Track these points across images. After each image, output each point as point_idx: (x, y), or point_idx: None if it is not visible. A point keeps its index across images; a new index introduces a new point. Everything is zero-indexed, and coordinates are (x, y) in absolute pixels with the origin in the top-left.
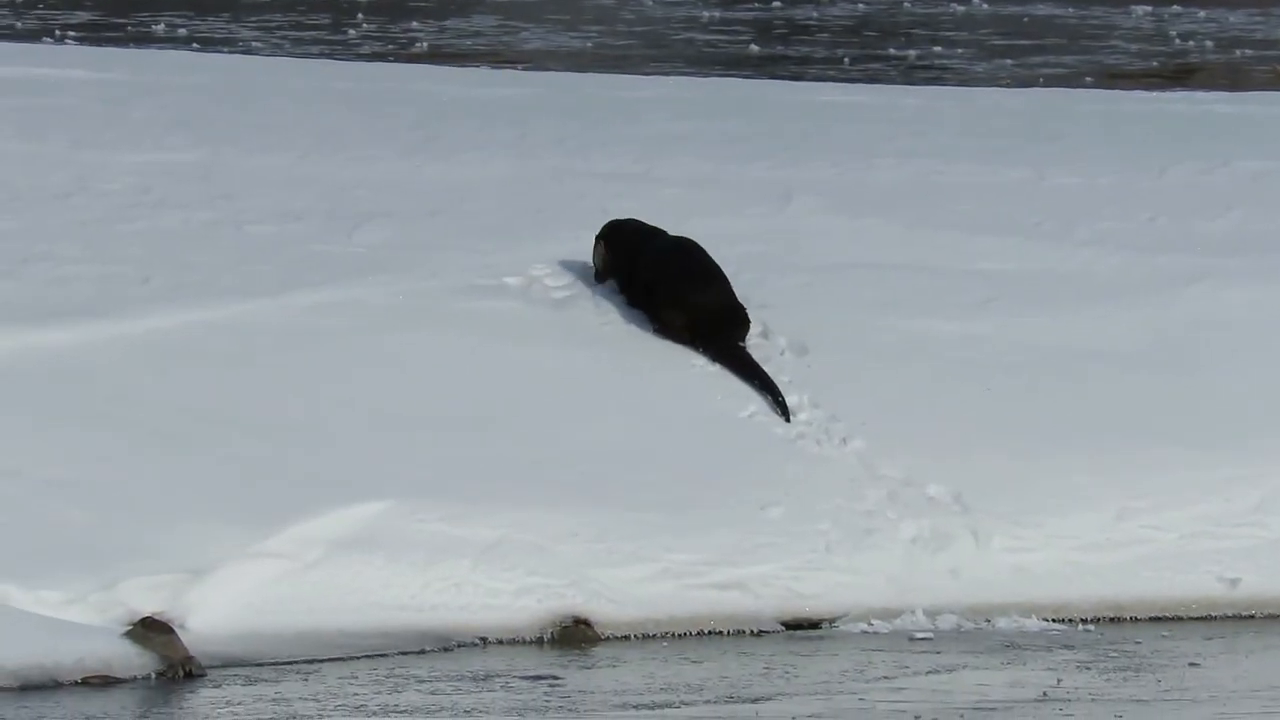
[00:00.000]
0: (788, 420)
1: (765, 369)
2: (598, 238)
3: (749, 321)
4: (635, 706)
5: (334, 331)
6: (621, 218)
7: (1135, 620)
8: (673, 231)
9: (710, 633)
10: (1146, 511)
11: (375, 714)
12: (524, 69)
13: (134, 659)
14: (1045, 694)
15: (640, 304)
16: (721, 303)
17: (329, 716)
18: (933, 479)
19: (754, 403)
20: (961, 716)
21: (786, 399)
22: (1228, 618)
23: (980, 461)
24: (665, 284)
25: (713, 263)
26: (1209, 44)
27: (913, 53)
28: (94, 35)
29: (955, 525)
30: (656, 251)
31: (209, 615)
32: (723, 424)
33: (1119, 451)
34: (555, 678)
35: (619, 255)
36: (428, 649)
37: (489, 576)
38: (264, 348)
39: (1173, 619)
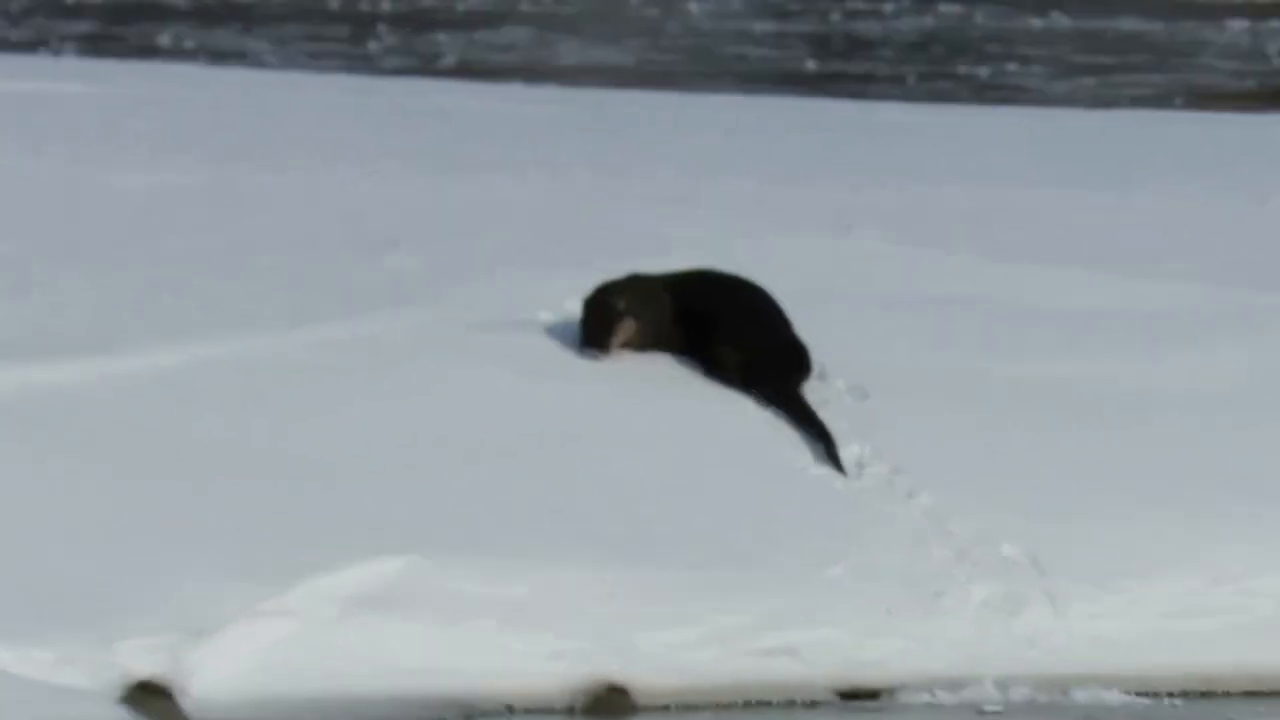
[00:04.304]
0: (843, 473)
1: (821, 415)
2: (619, 312)
3: (810, 365)
4: None
5: (352, 368)
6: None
7: (1227, 694)
8: (710, 262)
9: (758, 703)
10: (1241, 575)
11: None
12: (560, 86)
13: None
14: None
15: (692, 347)
16: (779, 342)
17: None
18: (1006, 537)
19: (810, 453)
20: None
21: (845, 448)
22: None
23: (1058, 518)
24: (720, 321)
25: (769, 297)
26: None
27: (984, 70)
28: (94, 47)
29: (1030, 588)
30: (704, 286)
31: (212, 679)
32: (777, 474)
33: (1212, 508)
34: None
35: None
36: (449, 718)
37: (516, 638)
38: (275, 385)
39: (1269, 693)
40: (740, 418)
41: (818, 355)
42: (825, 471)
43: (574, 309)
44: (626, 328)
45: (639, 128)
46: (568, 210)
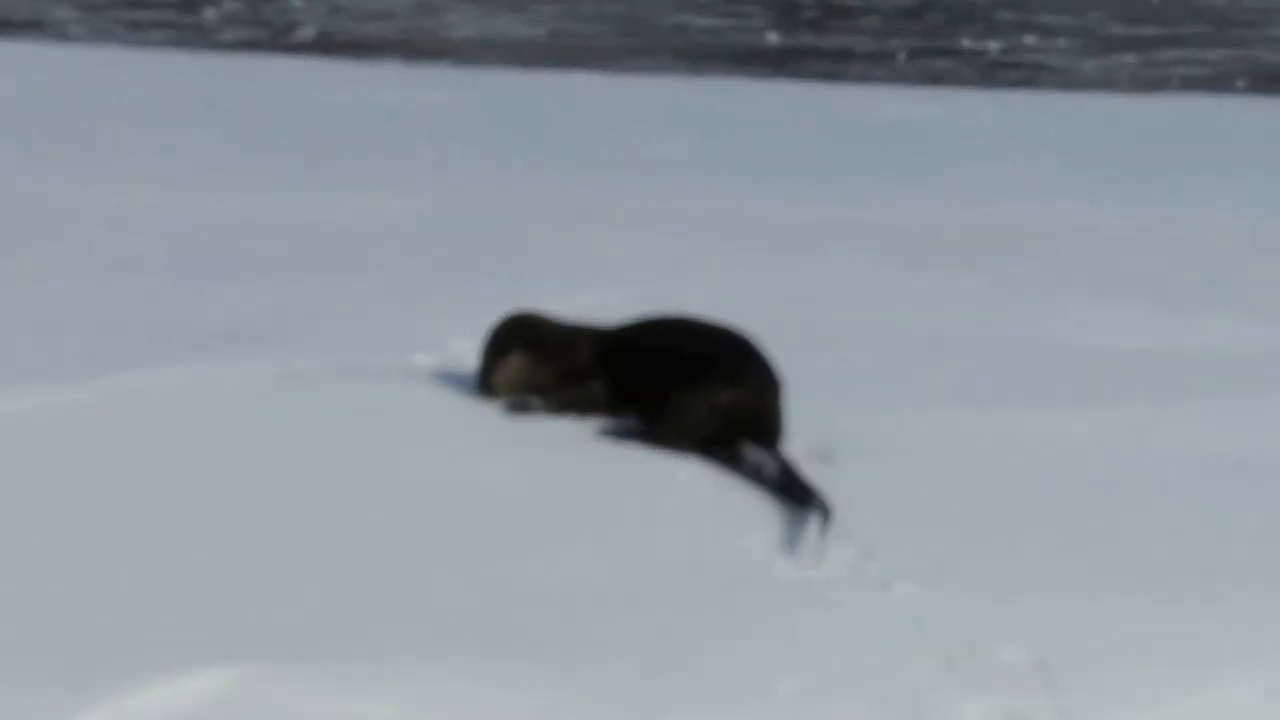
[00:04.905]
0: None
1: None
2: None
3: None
4: None
5: (173, 428)
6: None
7: None
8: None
9: None
10: None
11: None
12: (451, 65)
13: None
14: None
15: (624, 401)
16: (768, 400)
17: None
18: (1007, 639)
19: (763, 534)
20: None
21: (802, 525)
22: None
23: (1074, 615)
24: (681, 363)
25: (742, 336)
26: None
27: (995, 45)
28: None
29: (1038, 704)
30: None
31: None
32: (720, 562)
33: (1269, 602)
34: None
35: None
36: None
37: None
38: (81, 448)
39: None
40: (672, 492)
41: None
42: (778, 557)
43: (462, 351)
44: (512, 365)
45: (551, 120)
46: (457, 227)
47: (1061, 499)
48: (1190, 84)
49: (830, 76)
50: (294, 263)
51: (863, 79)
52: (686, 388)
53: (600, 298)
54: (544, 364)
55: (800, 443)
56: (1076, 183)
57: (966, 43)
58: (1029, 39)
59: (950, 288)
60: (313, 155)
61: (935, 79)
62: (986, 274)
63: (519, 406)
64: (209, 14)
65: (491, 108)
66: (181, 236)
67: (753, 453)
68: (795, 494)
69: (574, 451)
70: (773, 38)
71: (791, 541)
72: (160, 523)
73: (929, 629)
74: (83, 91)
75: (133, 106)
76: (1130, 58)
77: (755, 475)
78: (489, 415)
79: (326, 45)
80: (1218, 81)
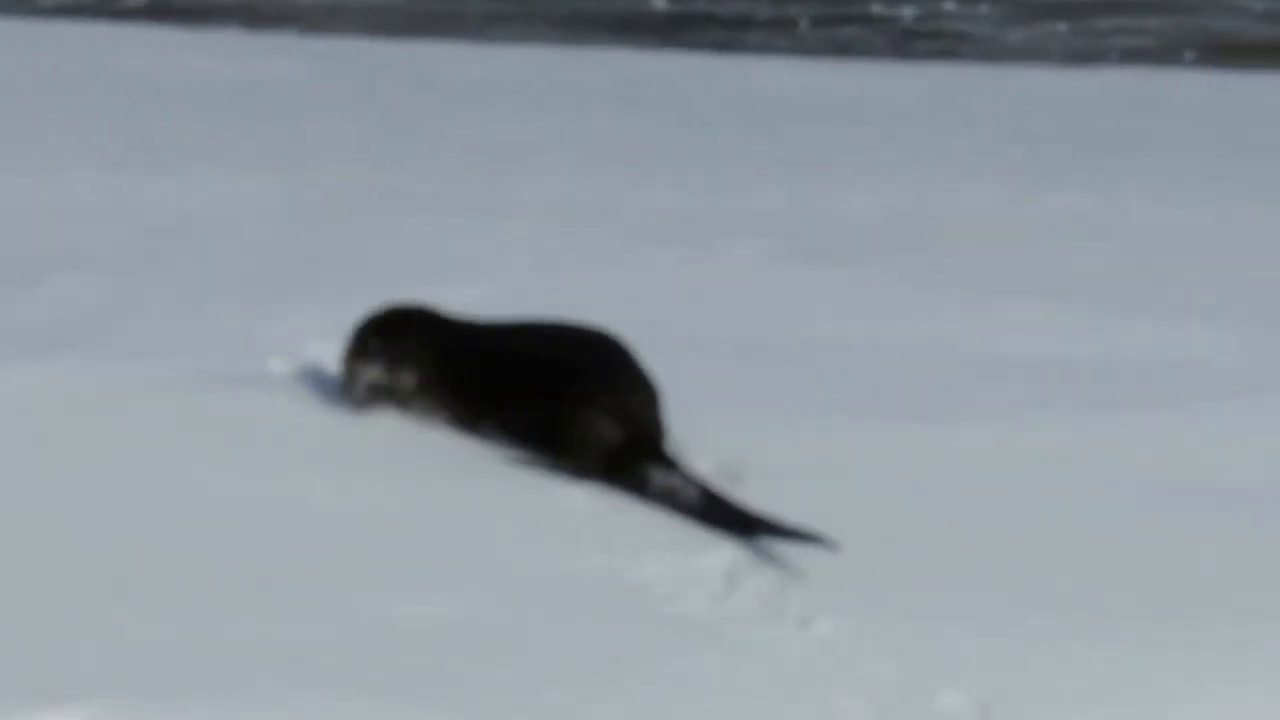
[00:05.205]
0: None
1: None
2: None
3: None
4: None
5: None
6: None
7: None
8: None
9: None
10: None
11: None
12: (300, 34)
13: None
14: None
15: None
16: (655, 412)
17: None
18: (946, 681)
19: (658, 563)
20: None
21: (707, 554)
22: None
23: (1022, 654)
24: (561, 370)
25: (619, 343)
26: None
27: (910, 11)
28: None
29: None
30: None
31: None
32: (613, 595)
33: (1251, 635)
34: None
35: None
36: None
37: None
38: None
39: None
40: (554, 517)
41: (672, 422)
42: (678, 590)
43: (319, 356)
44: (373, 370)
45: (410, 95)
46: (311, 217)
47: (988, 522)
48: (1131, 56)
49: (725, 47)
50: (126, 255)
51: (762, 49)
52: (574, 397)
53: (462, 294)
54: (410, 367)
55: (704, 461)
56: (1000, 166)
57: (877, 8)
58: (948, 4)
59: (856, 286)
60: (145, 134)
61: (842, 49)
62: (895, 269)
63: (374, 396)
64: None
65: (344, 81)
66: None
67: (660, 474)
68: (729, 519)
69: (451, 472)
70: (660, 4)
71: (699, 572)
72: None
73: (855, 671)
74: None
75: None
76: (1062, 26)
77: (667, 499)
78: (352, 429)
79: (159, 11)
80: (1162, 54)
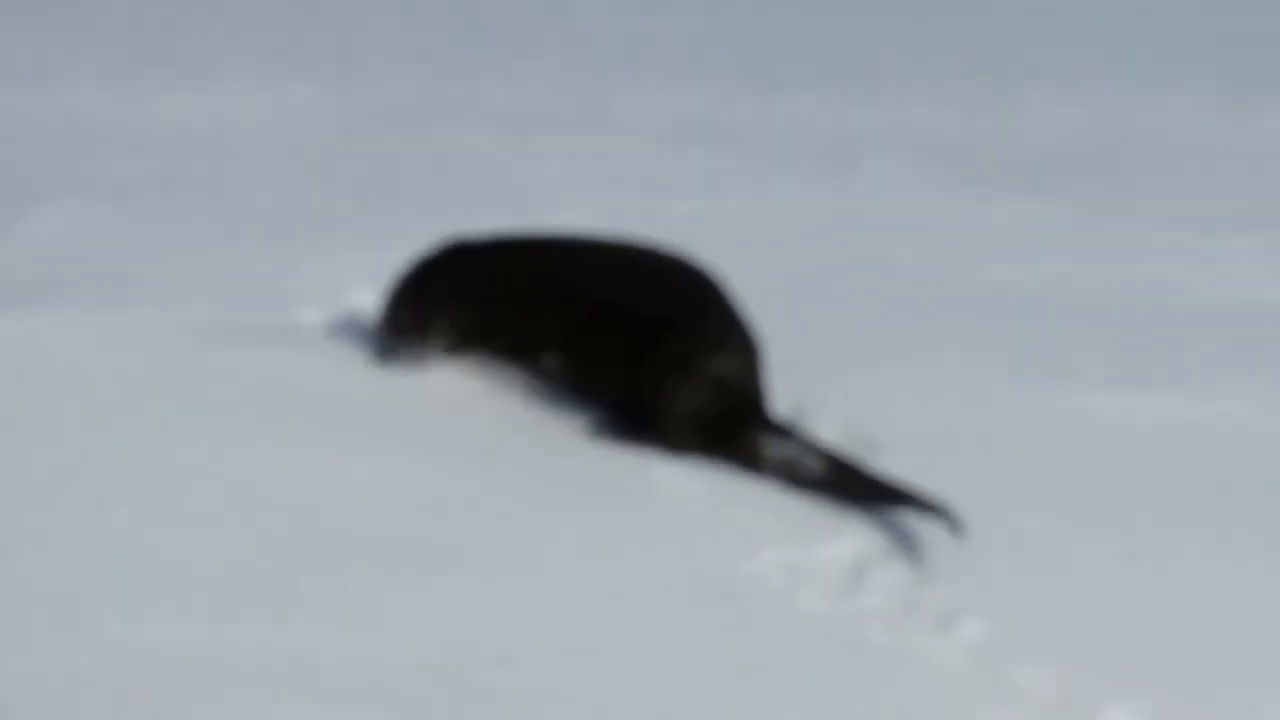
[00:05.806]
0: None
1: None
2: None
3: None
4: None
5: None
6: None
7: None
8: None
9: None
10: None
11: None
12: None
13: None
14: None
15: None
16: (756, 374)
17: None
18: (1114, 697)
19: (772, 551)
20: None
21: (828, 544)
22: None
23: (1208, 670)
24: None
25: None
26: None
27: None
28: None
29: None
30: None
31: None
32: (729, 596)
33: None
34: None
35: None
36: None
37: None
38: None
39: None
40: (655, 503)
41: (791, 382)
42: (797, 585)
43: (362, 305)
44: (442, 325)
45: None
46: (357, 136)
47: (1168, 512)
48: None
49: None
50: (130, 182)
51: None
52: (661, 361)
53: (543, 227)
54: (464, 322)
55: (828, 426)
56: (1206, 73)
57: None
58: None
59: (1026, 219)
60: (155, 37)
61: None
62: (1080, 200)
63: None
64: None
65: None
66: None
67: (773, 445)
68: (859, 490)
69: (521, 448)
70: None
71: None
72: None
73: (1010, 683)
74: None
75: None
76: None
77: (786, 475)
78: (400, 396)
79: None
80: None
